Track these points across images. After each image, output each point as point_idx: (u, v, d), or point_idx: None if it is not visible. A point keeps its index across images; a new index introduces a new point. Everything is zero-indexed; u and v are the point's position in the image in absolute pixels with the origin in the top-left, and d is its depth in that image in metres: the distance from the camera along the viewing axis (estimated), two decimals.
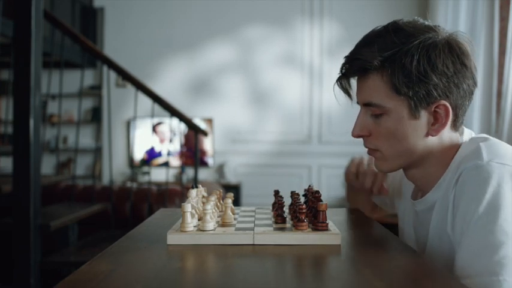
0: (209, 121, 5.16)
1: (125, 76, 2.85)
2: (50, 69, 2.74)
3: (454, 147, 0.85)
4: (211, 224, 0.80)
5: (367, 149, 0.88)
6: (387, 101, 0.80)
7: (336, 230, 0.79)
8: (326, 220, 0.80)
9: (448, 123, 0.81)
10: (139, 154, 5.22)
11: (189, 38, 5.14)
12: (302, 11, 5.15)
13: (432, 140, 0.82)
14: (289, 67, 5.15)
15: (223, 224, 0.85)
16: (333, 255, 0.72)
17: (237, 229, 0.81)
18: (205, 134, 3.20)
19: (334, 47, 5.13)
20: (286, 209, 0.97)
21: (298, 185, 4.99)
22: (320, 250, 0.74)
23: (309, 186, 0.95)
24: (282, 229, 0.81)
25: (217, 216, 0.90)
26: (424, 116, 0.80)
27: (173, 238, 0.78)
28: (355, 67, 0.82)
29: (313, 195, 0.88)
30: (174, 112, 2.96)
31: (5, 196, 2.12)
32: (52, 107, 5.12)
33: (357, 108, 0.90)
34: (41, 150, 2.17)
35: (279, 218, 0.86)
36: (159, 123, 5.14)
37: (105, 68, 4.83)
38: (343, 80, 0.86)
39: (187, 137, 4.92)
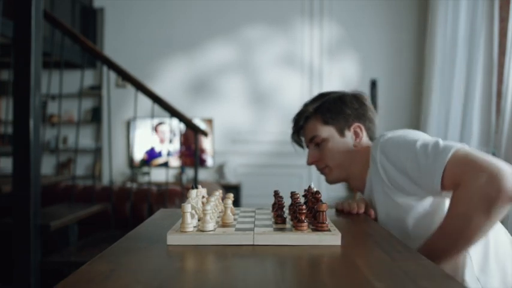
0: (209, 121, 5.16)
1: (125, 76, 2.85)
2: (50, 69, 2.74)
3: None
4: (211, 224, 0.80)
5: (318, 169, 1.26)
6: (322, 131, 1.22)
7: (335, 231, 0.79)
8: (326, 220, 0.80)
9: (363, 137, 1.23)
10: (139, 154, 5.22)
11: (189, 38, 5.14)
12: (302, 11, 5.15)
13: (357, 150, 1.22)
14: (289, 67, 5.15)
15: (223, 224, 0.85)
16: (333, 255, 0.72)
17: (237, 229, 0.81)
18: (205, 134, 3.20)
19: (334, 47, 5.14)
20: (286, 210, 0.97)
21: (298, 186, 4.99)
22: (320, 250, 0.74)
23: (309, 186, 0.95)
24: (282, 229, 0.81)
25: (217, 217, 0.90)
26: (348, 135, 1.22)
27: (173, 238, 0.78)
28: (301, 119, 1.26)
29: (313, 196, 0.88)
30: (174, 112, 2.96)
31: (5, 196, 2.12)
32: (52, 107, 5.12)
33: None
34: (41, 151, 2.17)
35: (279, 218, 0.86)
36: (160, 123, 5.14)
37: (105, 68, 4.84)
38: (295, 135, 1.30)
39: (186, 136, 4.93)
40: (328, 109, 1.21)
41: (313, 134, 1.22)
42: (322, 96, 1.28)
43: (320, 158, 1.23)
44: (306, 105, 1.27)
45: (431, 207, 1.03)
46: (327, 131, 1.21)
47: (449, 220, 0.92)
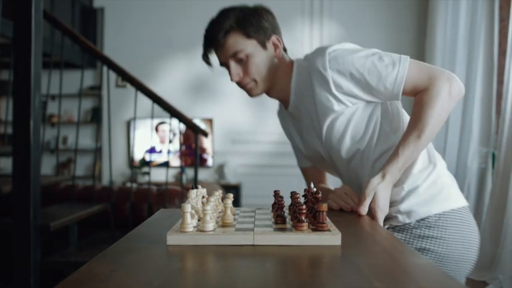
0: (209, 121, 5.16)
1: (125, 76, 2.85)
2: (50, 70, 2.74)
3: (290, 62, 1.25)
4: (211, 224, 0.80)
5: (243, 85, 1.23)
6: (245, 45, 1.18)
7: (335, 230, 0.79)
8: (326, 220, 0.80)
9: (281, 48, 1.23)
10: (139, 154, 5.22)
11: (189, 38, 5.14)
12: (302, 11, 5.15)
13: (279, 61, 1.23)
14: None
15: (223, 224, 0.85)
16: (333, 255, 0.72)
17: (237, 229, 0.81)
18: (205, 134, 3.20)
19: None
20: (286, 210, 0.97)
21: (298, 186, 4.99)
22: (320, 250, 0.74)
23: (309, 186, 0.95)
24: (282, 229, 0.81)
25: (217, 217, 0.90)
26: (269, 47, 1.21)
27: (173, 238, 0.78)
28: (219, 34, 1.17)
29: (313, 196, 0.88)
30: (174, 112, 2.96)
31: (5, 196, 2.12)
32: (52, 107, 5.12)
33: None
34: (41, 151, 2.17)
35: (279, 218, 0.86)
36: (161, 123, 5.14)
37: (105, 68, 4.84)
38: (208, 53, 1.23)
39: (186, 135, 4.93)
40: (250, 23, 1.17)
41: (235, 49, 1.17)
42: (229, 11, 1.20)
43: (245, 73, 1.20)
44: (219, 21, 1.19)
45: (365, 111, 1.16)
46: (250, 45, 1.17)
47: (428, 116, 1.06)
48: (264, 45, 1.19)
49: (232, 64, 1.20)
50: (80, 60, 4.35)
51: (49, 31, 3.31)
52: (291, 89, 1.23)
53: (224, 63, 1.22)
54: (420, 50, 4.97)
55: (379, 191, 1.04)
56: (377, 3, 5.08)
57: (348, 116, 1.15)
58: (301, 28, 5.15)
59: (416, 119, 1.07)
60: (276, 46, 1.22)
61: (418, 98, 1.10)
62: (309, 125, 1.24)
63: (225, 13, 1.19)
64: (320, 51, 1.16)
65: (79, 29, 5.07)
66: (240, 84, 1.23)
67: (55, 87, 3.12)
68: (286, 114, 1.34)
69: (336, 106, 1.13)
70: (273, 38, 1.21)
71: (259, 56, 1.19)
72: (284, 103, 1.30)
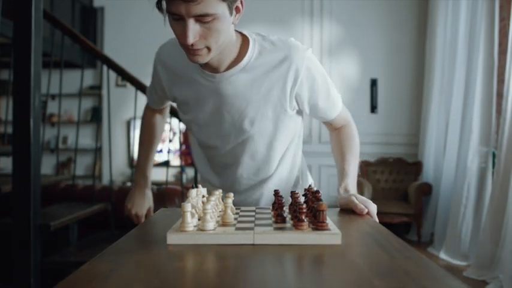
0: None
1: (125, 76, 2.85)
2: (50, 69, 2.74)
3: (241, 33, 1.15)
4: (211, 223, 0.79)
5: (193, 50, 1.02)
6: (217, 8, 0.97)
7: (336, 230, 0.79)
8: (326, 220, 0.80)
9: (242, 13, 1.06)
10: None
11: None
12: (302, 11, 5.15)
13: (232, 28, 1.08)
14: None
15: (223, 223, 0.85)
16: (333, 255, 0.72)
17: (237, 229, 0.81)
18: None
19: (334, 47, 5.13)
20: (286, 209, 0.97)
21: None
22: (320, 250, 0.74)
23: (309, 186, 0.95)
24: (282, 229, 0.81)
25: (217, 216, 0.90)
26: (233, 13, 1.02)
27: (173, 238, 0.78)
28: None
29: (313, 195, 0.88)
30: (173, 112, 2.95)
31: (5, 196, 2.12)
32: (52, 107, 5.12)
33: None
34: (41, 150, 2.17)
35: (279, 217, 0.86)
36: None
37: (105, 68, 4.83)
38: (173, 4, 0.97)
39: (185, 134, 4.92)
40: None
41: (206, 11, 0.95)
42: None
43: (202, 37, 1.00)
44: None
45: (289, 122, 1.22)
46: (221, 8, 0.97)
47: (355, 148, 1.28)
48: (231, 10, 1.01)
49: (191, 23, 0.96)
50: (80, 60, 4.35)
51: (49, 31, 3.31)
52: (240, 63, 1.12)
53: (177, 16, 0.97)
54: (420, 50, 4.97)
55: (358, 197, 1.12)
56: (377, 3, 5.07)
57: (284, 120, 1.20)
58: (301, 28, 5.15)
59: (352, 146, 1.28)
60: (238, 11, 1.05)
61: (345, 130, 1.31)
62: (234, 102, 1.15)
63: None
64: (300, 47, 1.15)
65: (79, 29, 5.07)
66: (189, 47, 1.01)
67: (55, 87, 3.12)
68: (195, 73, 1.16)
69: (287, 106, 1.17)
70: (238, 1, 1.03)
71: (223, 22, 1.00)
72: (213, 70, 1.14)
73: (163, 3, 0.99)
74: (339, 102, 1.27)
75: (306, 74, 1.14)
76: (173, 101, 1.30)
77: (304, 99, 1.18)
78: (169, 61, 1.21)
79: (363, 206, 1.06)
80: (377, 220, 1.06)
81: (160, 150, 5.21)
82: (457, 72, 4.07)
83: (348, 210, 1.10)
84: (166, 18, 1.01)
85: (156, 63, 1.25)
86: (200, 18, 0.96)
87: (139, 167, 1.53)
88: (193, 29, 0.97)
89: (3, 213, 2.26)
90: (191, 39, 0.98)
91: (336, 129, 1.34)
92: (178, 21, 0.98)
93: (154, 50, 1.31)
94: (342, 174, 1.21)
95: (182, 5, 0.94)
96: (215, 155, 1.28)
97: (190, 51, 1.03)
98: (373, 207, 1.07)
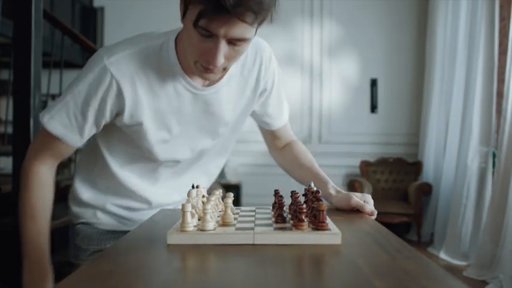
0: None
1: None
2: (50, 69, 2.74)
3: None
4: (211, 223, 0.79)
5: (212, 69, 0.94)
6: (252, 32, 0.91)
7: (336, 230, 0.79)
8: (326, 220, 0.80)
9: None
10: None
11: None
12: (302, 11, 5.14)
13: None
14: (289, 67, 5.15)
15: (223, 223, 0.85)
16: (333, 255, 0.72)
17: (237, 229, 0.81)
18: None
19: (334, 46, 5.13)
20: (286, 209, 0.97)
21: (298, 185, 4.98)
22: (320, 250, 0.74)
23: (309, 186, 0.95)
24: (282, 229, 0.81)
25: (217, 216, 0.90)
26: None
27: (173, 238, 0.78)
28: (257, 11, 0.86)
29: (313, 195, 0.88)
30: None
31: (5, 196, 2.12)
32: None
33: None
34: None
35: (279, 217, 0.86)
36: None
37: None
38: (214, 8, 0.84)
39: None
40: (269, 11, 0.91)
41: (244, 35, 0.89)
42: None
43: (227, 58, 0.94)
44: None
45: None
46: (253, 32, 0.92)
47: (316, 163, 1.26)
48: (255, 33, 0.95)
49: (224, 45, 0.90)
50: (80, 60, 4.35)
51: (49, 31, 3.30)
52: (227, 74, 1.07)
53: (208, 33, 0.88)
54: (420, 50, 4.97)
55: (357, 195, 1.11)
56: (377, 3, 5.07)
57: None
58: (301, 28, 5.15)
59: (313, 160, 1.28)
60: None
61: (300, 146, 1.32)
62: (216, 111, 1.11)
63: None
64: (266, 44, 1.16)
65: (79, 29, 5.07)
66: (209, 66, 0.93)
67: (55, 87, 3.12)
68: (176, 84, 1.05)
69: (255, 104, 1.19)
70: None
71: (249, 44, 0.95)
72: (200, 81, 1.07)
73: (190, 13, 0.88)
74: (287, 113, 1.28)
75: (270, 69, 1.16)
76: (129, 122, 1.05)
77: (261, 93, 1.19)
78: (141, 73, 1.02)
79: (373, 208, 1.06)
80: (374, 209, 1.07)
81: None
82: (457, 72, 4.07)
83: (347, 210, 1.10)
84: (190, 27, 0.89)
85: (111, 80, 0.99)
86: (234, 41, 0.90)
87: (40, 250, 1.06)
88: (224, 50, 0.91)
89: (3, 213, 2.26)
90: (221, 60, 0.92)
91: (285, 146, 1.34)
92: (207, 38, 0.89)
93: None
94: (320, 178, 1.19)
95: (223, 26, 0.87)
96: (165, 169, 1.17)
97: (207, 71, 0.95)
98: (371, 200, 1.10)
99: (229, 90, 1.11)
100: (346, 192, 1.12)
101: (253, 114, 1.26)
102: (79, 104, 1.00)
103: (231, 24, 0.86)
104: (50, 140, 1.04)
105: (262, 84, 1.17)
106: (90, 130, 1.04)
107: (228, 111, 1.13)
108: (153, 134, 1.07)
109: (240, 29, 0.87)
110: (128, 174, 1.17)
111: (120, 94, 1.00)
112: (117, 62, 1.00)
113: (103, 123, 1.05)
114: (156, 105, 1.05)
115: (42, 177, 1.07)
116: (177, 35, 1.04)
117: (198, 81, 1.05)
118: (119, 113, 1.04)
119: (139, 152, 1.12)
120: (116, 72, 0.99)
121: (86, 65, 1.02)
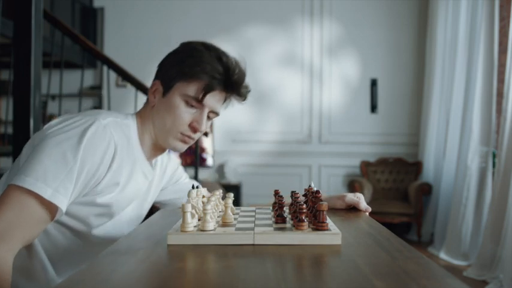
0: None
1: (125, 76, 2.85)
2: (50, 70, 2.74)
3: None
4: (211, 224, 0.79)
5: (192, 137, 1.09)
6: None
7: (336, 230, 0.79)
8: (326, 220, 0.80)
9: None
10: None
11: (189, 37, 5.08)
12: (302, 10, 5.15)
13: None
14: (290, 67, 5.15)
15: (223, 224, 0.85)
16: (333, 255, 0.72)
17: (237, 229, 0.81)
18: (205, 134, 3.20)
19: (335, 46, 5.13)
20: (286, 209, 0.97)
21: (298, 185, 4.99)
22: (320, 250, 0.74)
23: (309, 186, 0.95)
24: (282, 229, 0.81)
25: (218, 216, 0.90)
26: None
27: (173, 238, 0.78)
28: (243, 92, 1.11)
29: (313, 195, 0.88)
30: None
31: None
32: (52, 107, 5.12)
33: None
34: None
35: (279, 218, 0.86)
36: None
37: (105, 68, 4.83)
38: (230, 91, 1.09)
39: None
40: None
41: (219, 110, 1.11)
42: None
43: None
44: (244, 82, 1.11)
45: None
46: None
47: None
48: None
49: (205, 115, 1.07)
50: (80, 60, 4.35)
51: (49, 31, 3.30)
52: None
53: (196, 104, 1.04)
54: (420, 50, 4.97)
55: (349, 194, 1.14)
56: (377, 3, 5.07)
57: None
58: (301, 28, 5.15)
59: None
60: None
61: None
62: (153, 186, 1.21)
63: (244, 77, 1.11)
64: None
65: (79, 29, 5.07)
66: (191, 134, 1.07)
67: (55, 87, 3.12)
68: (138, 156, 1.08)
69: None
70: None
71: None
72: (152, 157, 1.15)
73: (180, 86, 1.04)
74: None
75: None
76: (98, 196, 0.99)
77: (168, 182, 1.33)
78: (121, 142, 1.01)
79: (367, 205, 1.11)
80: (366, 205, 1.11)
81: None
82: (457, 72, 4.07)
83: (347, 210, 1.10)
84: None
85: (106, 144, 0.96)
86: (212, 115, 1.10)
87: None
88: (206, 120, 1.08)
89: None
90: (205, 127, 1.07)
91: None
92: (191, 108, 1.05)
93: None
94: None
95: (213, 100, 1.05)
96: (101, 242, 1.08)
97: (185, 138, 1.07)
98: (363, 198, 1.13)
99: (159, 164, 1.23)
100: (340, 194, 1.17)
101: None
102: (80, 164, 0.92)
103: (219, 100, 1.07)
104: (35, 211, 0.87)
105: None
106: (77, 191, 0.94)
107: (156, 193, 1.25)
108: (102, 200, 1.00)
109: (221, 105, 1.09)
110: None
111: (100, 158, 0.95)
112: (112, 129, 0.98)
113: (89, 182, 0.95)
114: (121, 173, 1.01)
115: (7, 265, 0.83)
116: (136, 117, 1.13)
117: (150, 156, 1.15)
118: (96, 181, 0.96)
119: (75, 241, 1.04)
120: (109, 138, 0.97)
121: (68, 127, 0.94)
